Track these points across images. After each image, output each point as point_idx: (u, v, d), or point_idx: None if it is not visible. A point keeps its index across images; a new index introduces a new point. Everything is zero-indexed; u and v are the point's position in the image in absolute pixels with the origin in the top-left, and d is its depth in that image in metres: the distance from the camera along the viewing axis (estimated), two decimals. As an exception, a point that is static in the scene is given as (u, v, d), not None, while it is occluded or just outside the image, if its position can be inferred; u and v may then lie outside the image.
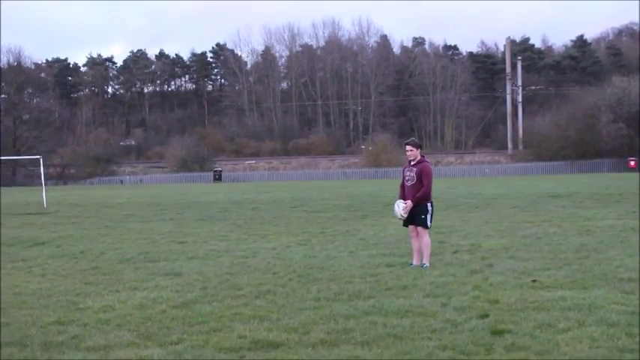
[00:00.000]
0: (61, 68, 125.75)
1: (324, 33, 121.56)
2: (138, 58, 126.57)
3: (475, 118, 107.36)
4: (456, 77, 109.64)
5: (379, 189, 42.44)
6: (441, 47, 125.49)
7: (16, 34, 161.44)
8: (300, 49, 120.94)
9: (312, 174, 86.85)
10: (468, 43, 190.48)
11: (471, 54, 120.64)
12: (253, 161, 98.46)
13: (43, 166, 41.35)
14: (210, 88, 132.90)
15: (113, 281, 10.79)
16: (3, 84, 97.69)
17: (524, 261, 11.62)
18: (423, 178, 11.29)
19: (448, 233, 16.19)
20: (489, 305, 8.27)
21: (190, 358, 6.45)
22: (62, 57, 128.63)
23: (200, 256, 13.53)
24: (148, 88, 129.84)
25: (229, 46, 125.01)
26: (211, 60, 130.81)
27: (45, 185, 38.87)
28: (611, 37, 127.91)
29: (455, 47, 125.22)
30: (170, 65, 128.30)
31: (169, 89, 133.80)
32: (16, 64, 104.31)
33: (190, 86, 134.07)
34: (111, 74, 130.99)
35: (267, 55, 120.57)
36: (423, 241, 11.39)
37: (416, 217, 11.38)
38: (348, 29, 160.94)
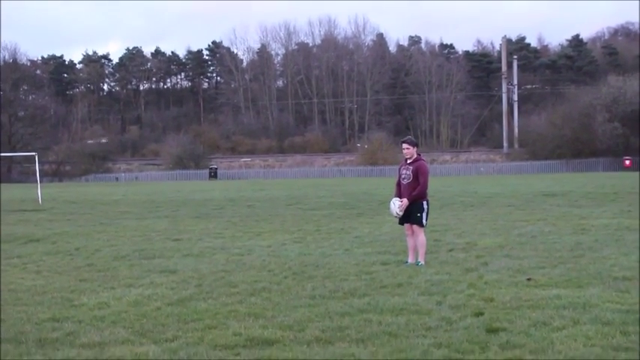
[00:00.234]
0: (56, 65, 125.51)
1: (320, 31, 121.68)
2: (134, 55, 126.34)
3: (471, 116, 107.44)
4: (452, 76, 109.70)
5: (375, 187, 42.46)
6: (437, 46, 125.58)
7: (12, 31, 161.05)
8: (296, 47, 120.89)
9: (307, 172, 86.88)
10: (464, 41, 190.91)
11: (466, 53, 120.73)
12: (249, 159, 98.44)
13: (39, 162, 41.28)
14: (206, 85, 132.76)
15: (108, 278, 10.78)
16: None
17: (519, 259, 11.63)
18: (419, 177, 11.29)
19: (443, 231, 16.21)
20: (484, 303, 8.27)
21: (185, 356, 6.44)
22: (58, 54, 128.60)
23: (195, 253, 13.53)
24: (143, 86, 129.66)
25: (225, 43, 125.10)
26: (207, 58, 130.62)
27: (40, 182, 38.83)
28: (606, 37, 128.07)
29: (451, 46, 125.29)
30: (166, 63, 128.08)
31: (165, 87, 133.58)
32: (11, 60, 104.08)
33: (186, 84, 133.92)
34: (107, 71, 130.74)
35: (263, 52, 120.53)
36: (418, 239, 11.39)
37: (411, 216, 11.39)
38: (344, 27, 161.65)
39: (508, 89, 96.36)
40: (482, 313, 7.74)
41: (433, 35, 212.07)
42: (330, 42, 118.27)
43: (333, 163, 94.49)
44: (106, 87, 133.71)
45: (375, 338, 6.84)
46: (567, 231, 15.84)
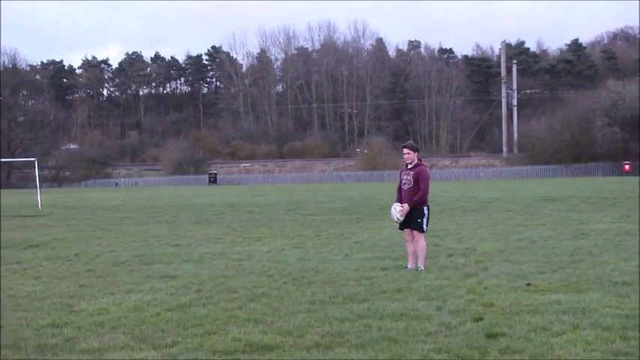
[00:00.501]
0: (56, 70, 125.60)
1: (319, 36, 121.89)
2: (133, 60, 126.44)
3: (470, 121, 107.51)
4: (452, 80, 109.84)
5: (374, 192, 42.47)
6: (436, 50, 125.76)
7: (12, 36, 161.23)
8: (295, 51, 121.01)
9: (307, 177, 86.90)
10: (464, 46, 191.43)
11: (466, 57, 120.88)
12: (248, 164, 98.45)
13: (38, 168, 41.29)
14: (205, 90, 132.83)
15: (108, 284, 10.77)
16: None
17: (518, 264, 11.63)
18: (420, 182, 11.27)
19: (443, 236, 16.22)
20: (484, 308, 8.27)
21: (185, 361, 6.44)
22: (57, 59, 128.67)
23: (195, 258, 13.52)
24: (143, 91, 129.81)
25: (225, 48, 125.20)
26: (207, 63, 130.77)
27: (40, 187, 38.83)
28: (605, 41, 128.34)
29: (450, 50, 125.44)
30: (165, 68, 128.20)
31: (165, 92, 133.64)
32: (11, 66, 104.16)
33: (186, 89, 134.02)
34: (106, 76, 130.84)
35: (262, 57, 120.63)
36: (419, 244, 11.38)
37: (412, 221, 11.37)
38: (343, 32, 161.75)
39: (507, 94, 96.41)
40: (481, 319, 7.74)
41: (432, 40, 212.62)
42: (329, 47, 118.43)
43: (332, 168, 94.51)
44: (105, 92, 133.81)
45: (374, 343, 6.84)
46: (567, 236, 15.83)
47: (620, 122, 74.33)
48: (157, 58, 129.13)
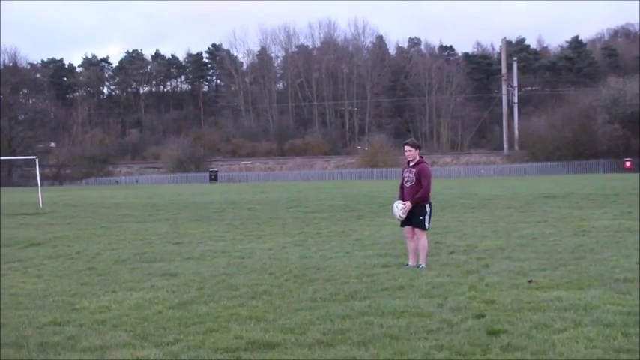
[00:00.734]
0: (56, 69, 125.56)
1: (319, 33, 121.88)
2: (133, 58, 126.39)
3: (471, 118, 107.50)
4: (452, 78, 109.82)
5: (375, 190, 42.47)
6: (436, 48, 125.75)
7: (12, 34, 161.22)
8: (295, 49, 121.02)
9: (308, 174, 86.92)
10: (464, 43, 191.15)
11: (466, 55, 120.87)
12: (249, 162, 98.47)
13: (39, 166, 41.30)
14: (206, 88, 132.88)
15: (109, 282, 10.77)
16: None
17: (520, 261, 11.63)
18: (422, 180, 11.25)
19: (444, 234, 16.22)
20: (485, 305, 8.27)
21: (187, 359, 6.44)
22: (58, 57, 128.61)
23: (196, 256, 13.52)
24: (143, 89, 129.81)
25: (225, 46, 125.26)
26: (207, 60, 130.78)
27: (41, 186, 38.83)
28: (606, 38, 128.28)
29: (451, 48, 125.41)
30: (166, 66, 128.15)
31: (165, 90, 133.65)
32: (11, 64, 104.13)
33: (186, 87, 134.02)
34: (106, 75, 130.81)
35: (262, 55, 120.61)
36: (420, 242, 11.37)
37: (414, 218, 11.35)
38: (344, 30, 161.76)
39: (508, 91, 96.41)
40: (483, 315, 7.74)
41: (433, 37, 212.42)
42: (329, 44, 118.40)
43: (333, 165, 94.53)
44: (106, 90, 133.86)
45: (376, 341, 6.84)
46: (568, 233, 15.83)
47: (621, 119, 74.30)
48: (157, 56, 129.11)
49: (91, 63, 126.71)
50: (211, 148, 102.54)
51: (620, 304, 8.14)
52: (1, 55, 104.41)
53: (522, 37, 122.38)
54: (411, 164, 11.43)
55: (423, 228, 11.37)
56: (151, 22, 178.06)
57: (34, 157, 41.93)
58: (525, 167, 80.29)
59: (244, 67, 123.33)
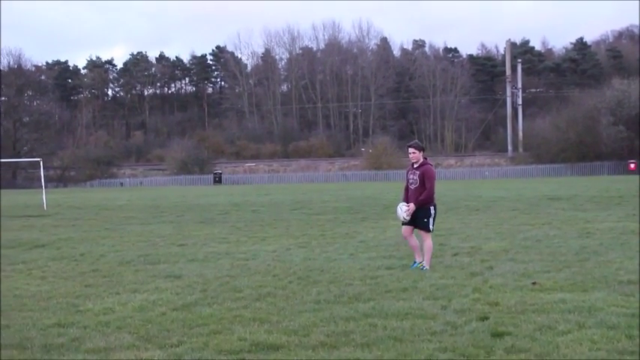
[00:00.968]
0: (60, 70, 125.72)
1: (324, 35, 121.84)
2: (138, 60, 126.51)
3: (475, 120, 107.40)
4: (456, 80, 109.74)
5: (379, 191, 42.46)
6: (441, 50, 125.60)
7: (17, 36, 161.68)
8: (300, 51, 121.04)
9: (312, 176, 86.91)
10: (468, 45, 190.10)
11: (471, 56, 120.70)
12: (253, 164, 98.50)
13: (43, 168, 41.37)
14: (210, 90, 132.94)
15: (113, 284, 10.79)
16: (3, 86, 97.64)
17: (524, 263, 11.62)
18: (426, 182, 11.22)
19: (448, 236, 16.22)
20: (489, 308, 8.26)
21: (190, 361, 6.45)
22: (62, 59, 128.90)
23: (200, 258, 13.53)
24: (148, 91, 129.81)
25: (229, 48, 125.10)
26: (211, 62, 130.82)
27: (45, 188, 38.89)
28: (611, 40, 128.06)
29: (455, 50, 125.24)
30: (170, 68, 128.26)
31: (169, 92, 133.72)
32: (16, 66, 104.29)
33: (190, 89, 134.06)
34: (111, 77, 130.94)
35: (267, 57, 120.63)
36: (425, 244, 11.35)
37: (418, 221, 11.35)
38: (348, 31, 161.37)
39: (512, 93, 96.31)
40: (487, 318, 7.73)
41: (437, 39, 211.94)
42: (334, 46, 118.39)
43: (337, 167, 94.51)
44: (110, 92, 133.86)
45: (380, 343, 6.84)
46: (572, 235, 15.81)
47: (626, 121, 74.15)
48: (161, 58, 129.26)
49: (95, 65, 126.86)
50: (215, 150, 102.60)
51: (624, 306, 8.13)
52: (5, 57, 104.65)
53: (527, 38, 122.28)
54: (415, 166, 11.43)
55: (427, 230, 11.36)
56: (156, 24, 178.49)
57: (39, 159, 41.97)
58: (529, 169, 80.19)
59: (248, 69, 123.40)
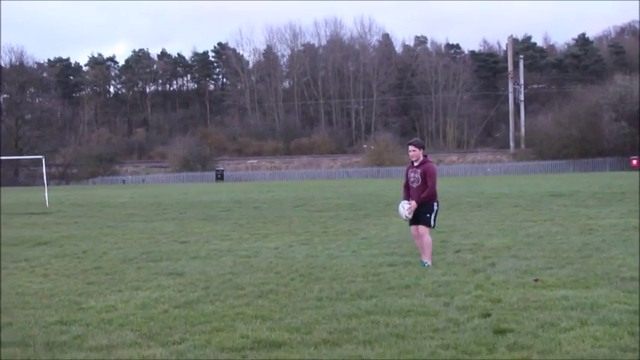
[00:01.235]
0: (62, 68, 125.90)
1: (326, 32, 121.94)
2: (140, 57, 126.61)
3: (477, 116, 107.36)
4: (458, 76, 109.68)
5: (381, 188, 42.45)
6: (443, 46, 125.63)
7: (18, 33, 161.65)
8: (302, 48, 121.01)
9: (314, 173, 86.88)
10: (470, 41, 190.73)
11: (473, 52, 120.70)
12: (255, 161, 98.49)
13: (45, 165, 41.39)
14: (212, 87, 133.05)
15: (115, 281, 10.79)
16: (5, 84, 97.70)
17: (526, 260, 11.60)
18: (428, 179, 11.18)
19: (450, 232, 16.20)
20: (492, 304, 8.26)
21: (193, 358, 6.45)
22: (64, 56, 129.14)
23: (202, 255, 13.53)
24: (150, 88, 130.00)
25: (231, 45, 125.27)
26: (213, 59, 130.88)
27: (47, 185, 38.92)
28: (613, 36, 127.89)
29: (457, 46, 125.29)
30: (172, 65, 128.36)
31: (171, 89, 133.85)
32: (18, 63, 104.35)
33: (192, 86, 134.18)
34: (113, 74, 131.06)
35: (269, 54, 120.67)
36: (424, 239, 11.32)
37: (420, 216, 11.31)
38: (350, 28, 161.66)
39: (514, 89, 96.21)
40: (489, 315, 7.73)
41: (439, 35, 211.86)
42: (336, 43, 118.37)
43: (339, 164, 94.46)
44: (112, 89, 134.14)
45: (382, 340, 6.83)
46: (575, 231, 15.80)
47: (628, 117, 74.02)
48: (163, 55, 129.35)
49: (97, 62, 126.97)
50: (217, 146, 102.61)
51: (627, 302, 8.12)
52: (7, 54, 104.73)
53: (529, 34, 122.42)
54: (415, 164, 11.39)
55: (428, 225, 11.33)
56: (157, 21, 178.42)
57: (41, 157, 42.00)
58: (532, 165, 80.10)
59: (250, 65, 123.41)
